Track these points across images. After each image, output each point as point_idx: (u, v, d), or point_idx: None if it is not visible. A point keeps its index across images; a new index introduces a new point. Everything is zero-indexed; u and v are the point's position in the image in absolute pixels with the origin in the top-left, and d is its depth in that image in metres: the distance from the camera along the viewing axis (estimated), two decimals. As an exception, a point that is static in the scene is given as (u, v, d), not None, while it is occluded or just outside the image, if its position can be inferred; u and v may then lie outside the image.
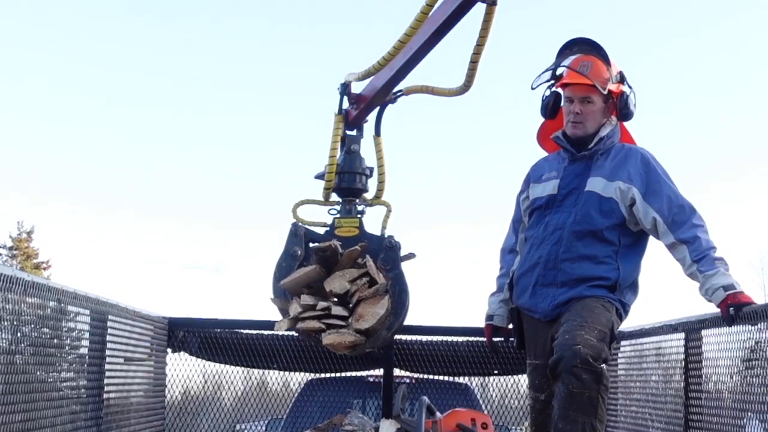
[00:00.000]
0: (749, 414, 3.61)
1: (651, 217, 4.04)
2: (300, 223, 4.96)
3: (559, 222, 4.16)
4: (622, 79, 4.24)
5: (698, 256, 3.91)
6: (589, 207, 4.11)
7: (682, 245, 3.97)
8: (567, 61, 4.21)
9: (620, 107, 4.22)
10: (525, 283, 4.24)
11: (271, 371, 5.64)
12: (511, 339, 4.47)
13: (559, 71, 4.25)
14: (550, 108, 4.35)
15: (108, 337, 4.41)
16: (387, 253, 4.78)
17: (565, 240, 4.11)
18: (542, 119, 4.46)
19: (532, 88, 4.26)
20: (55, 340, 3.91)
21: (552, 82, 4.28)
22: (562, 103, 4.31)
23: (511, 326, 4.43)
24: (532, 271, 4.20)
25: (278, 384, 5.74)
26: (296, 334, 4.98)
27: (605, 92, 4.11)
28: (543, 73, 4.26)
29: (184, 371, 5.54)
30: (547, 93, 4.34)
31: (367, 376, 5.86)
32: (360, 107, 4.88)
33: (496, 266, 4.58)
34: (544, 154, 4.53)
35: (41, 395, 3.60)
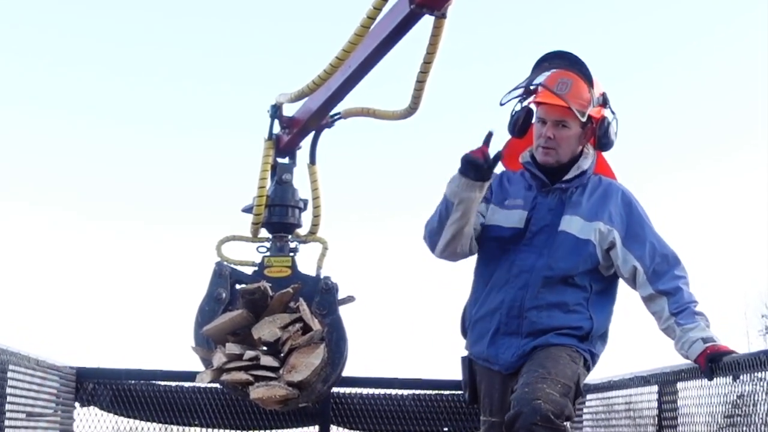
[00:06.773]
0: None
1: (631, 265, 3.74)
2: (225, 262, 4.82)
3: (526, 264, 3.80)
4: (604, 102, 3.82)
5: (678, 309, 3.65)
6: (563, 250, 3.77)
7: (661, 297, 3.70)
8: (543, 77, 3.78)
9: (599, 135, 3.82)
10: (482, 329, 3.88)
11: (192, 428, 5.48)
12: (460, 392, 4.18)
13: (534, 86, 3.84)
14: (520, 125, 3.91)
15: (8, 390, 4.28)
16: (323, 296, 4.66)
17: (533, 285, 3.77)
18: (507, 137, 4.00)
19: (501, 104, 3.84)
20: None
21: (525, 96, 3.85)
22: (533, 120, 3.89)
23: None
24: (492, 316, 3.85)
25: (200, 442, 5.63)
26: (221, 387, 4.85)
27: (584, 118, 3.73)
28: (515, 88, 3.83)
29: (95, 428, 5.39)
30: (518, 108, 3.89)
31: None
32: (293, 132, 4.75)
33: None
34: None
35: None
